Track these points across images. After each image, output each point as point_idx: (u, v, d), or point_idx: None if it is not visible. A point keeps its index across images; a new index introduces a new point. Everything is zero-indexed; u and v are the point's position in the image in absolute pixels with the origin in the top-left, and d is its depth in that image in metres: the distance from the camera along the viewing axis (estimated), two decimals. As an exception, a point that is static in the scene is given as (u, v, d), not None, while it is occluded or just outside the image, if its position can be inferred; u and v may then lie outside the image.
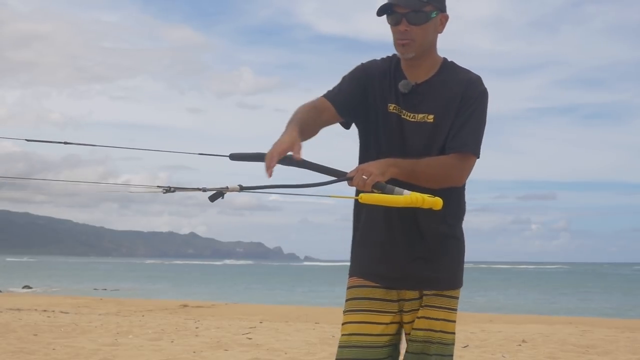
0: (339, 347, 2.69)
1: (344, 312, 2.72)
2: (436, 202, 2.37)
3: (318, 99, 2.63)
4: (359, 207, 2.75)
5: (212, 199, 2.30)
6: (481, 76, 2.70)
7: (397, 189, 2.41)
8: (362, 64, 2.72)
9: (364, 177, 2.41)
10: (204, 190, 2.16)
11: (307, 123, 2.51)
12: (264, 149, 2.42)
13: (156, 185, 2.14)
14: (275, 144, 2.34)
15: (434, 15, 2.56)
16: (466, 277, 2.82)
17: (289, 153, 2.33)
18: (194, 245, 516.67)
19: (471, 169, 2.63)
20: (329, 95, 2.65)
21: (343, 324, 2.71)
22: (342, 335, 2.69)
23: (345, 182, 2.47)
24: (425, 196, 2.35)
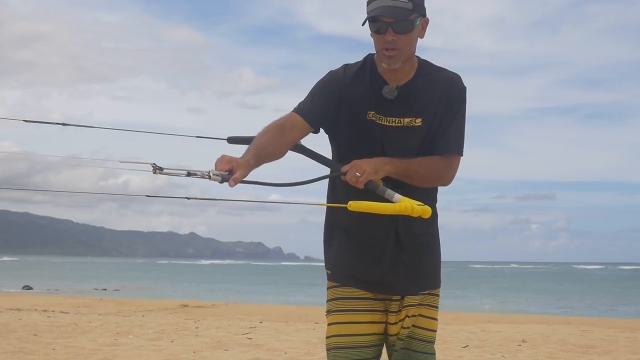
0: (330, 349, 2.65)
1: (329, 312, 2.69)
2: (425, 211, 2.37)
3: (287, 115, 2.56)
4: (336, 203, 2.66)
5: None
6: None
7: (388, 191, 2.42)
8: (332, 72, 2.64)
9: (357, 174, 2.43)
10: (188, 174, 2.20)
11: (266, 150, 2.44)
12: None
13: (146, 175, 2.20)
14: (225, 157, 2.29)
15: (418, 22, 2.52)
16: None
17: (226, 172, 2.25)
18: (194, 245, 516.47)
19: (458, 168, 2.65)
20: (300, 110, 2.57)
21: (330, 325, 2.68)
22: (331, 336, 2.66)
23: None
24: (415, 204, 2.35)
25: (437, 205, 2.76)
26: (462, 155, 2.63)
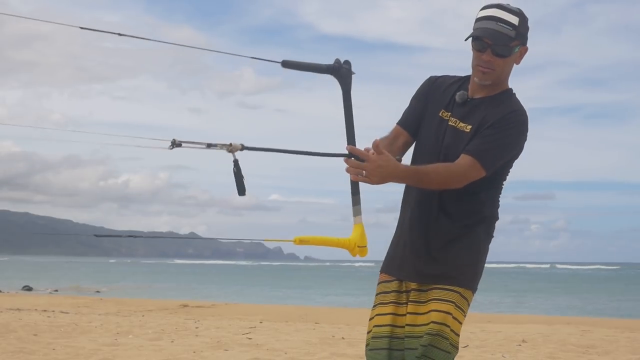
0: (369, 337, 2.84)
1: (372, 307, 2.90)
2: (362, 252, 2.59)
3: (392, 129, 2.91)
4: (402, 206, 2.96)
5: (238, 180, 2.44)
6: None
7: (356, 207, 2.61)
8: (431, 76, 2.91)
9: (363, 172, 2.51)
10: (209, 146, 2.27)
11: None
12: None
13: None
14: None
15: (516, 50, 2.72)
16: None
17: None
18: (194, 245, 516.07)
19: (473, 178, 2.69)
20: (400, 121, 2.92)
21: (370, 319, 2.89)
22: (370, 327, 2.85)
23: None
24: (357, 245, 2.54)
25: None
26: (485, 170, 2.68)
